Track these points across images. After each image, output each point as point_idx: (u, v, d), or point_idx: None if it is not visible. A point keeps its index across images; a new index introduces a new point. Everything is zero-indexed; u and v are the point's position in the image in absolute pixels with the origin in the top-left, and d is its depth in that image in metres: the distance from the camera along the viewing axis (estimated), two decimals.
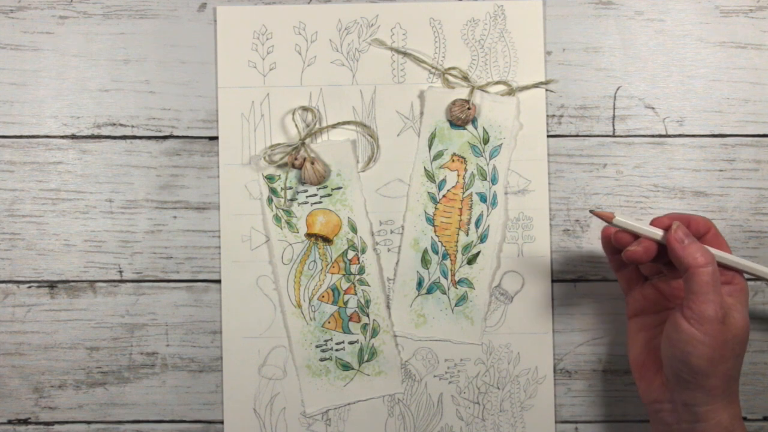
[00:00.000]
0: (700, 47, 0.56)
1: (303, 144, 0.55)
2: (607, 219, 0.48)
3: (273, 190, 0.55)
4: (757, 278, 0.49)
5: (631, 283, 0.51)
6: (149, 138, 0.56)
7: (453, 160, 0.55)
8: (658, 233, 0.47)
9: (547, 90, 0.56)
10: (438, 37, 0.55)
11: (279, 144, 0.55)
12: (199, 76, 0.56)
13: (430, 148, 0.55)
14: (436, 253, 0.55)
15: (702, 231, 0.48)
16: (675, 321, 0.45)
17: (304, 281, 0.55)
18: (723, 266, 0.47)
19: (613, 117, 0.56)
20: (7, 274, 0.56)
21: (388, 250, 0.56)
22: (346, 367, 0.55)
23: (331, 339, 0.55)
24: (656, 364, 0.48)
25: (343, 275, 0.55)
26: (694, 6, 0.56)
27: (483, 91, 0.55)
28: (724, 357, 0.44)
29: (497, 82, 0.55)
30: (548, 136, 0.56)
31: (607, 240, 0.50)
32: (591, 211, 0.50)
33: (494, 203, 0.55)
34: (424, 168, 0.55)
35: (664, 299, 0.50)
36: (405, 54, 0.55)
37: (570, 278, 0.56)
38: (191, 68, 0.56)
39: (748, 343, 0.55)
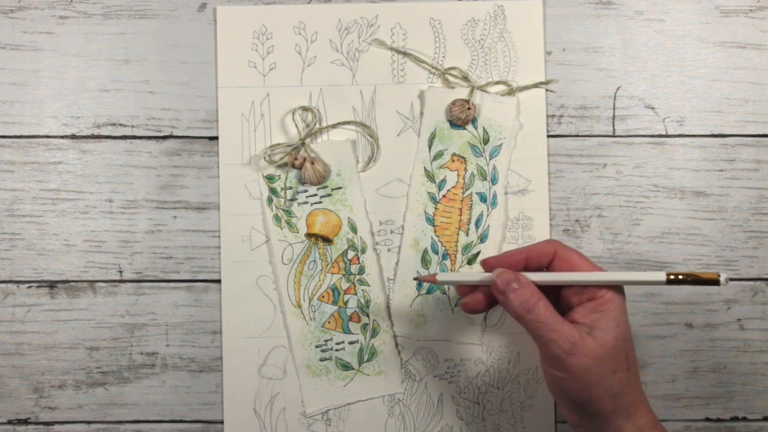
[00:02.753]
0: (700, 47, 0.56)
1: (303, 144, 0.55)
2: (431, 281, 0.49)
3: (273, 190, 0.55)
4: (613, 286, 0.46)
5: None
6: (149, 138, 0.56)
7: (453, 160, 0.55)
8: (486, 280, 0.47)
9: (547, 90, 0.56)
10: (438, 37, 0.55)
11: (279, 144, 0.55)
12: (199, 76, 0.56)
13: (430, 148, 0.55)
14: (436, 253, 0.55)
15: (546, 259, 0.47)
16: (540, 364, 0.46)
17: (304, 281, 0.55)
18: (580, 285, 0.46)
19: (613, 117, 0.56)
20: (7, 274, 0.56)
21: (388, 250, 0.56)
22: (346, 367, 0.55)
23: (331, 339, 0.55)
24: None
25: (343, 275, 0.55)
26: (694, 6, 0.56)
27: (483, 91, 0.55)
28: (592, 383, 0.43)
29: (497, 82, 0.55)
30: (548, 136, 0.56)
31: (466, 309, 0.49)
32: (414, 278, 0.51)
33: (494, 203, 0.55)
34: (424, 168, 0.55)
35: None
36: (405, 54, 0.55)
37: None
38: (191, 68, 0.56)
39: (748, 343, 0.55)
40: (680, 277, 0.45)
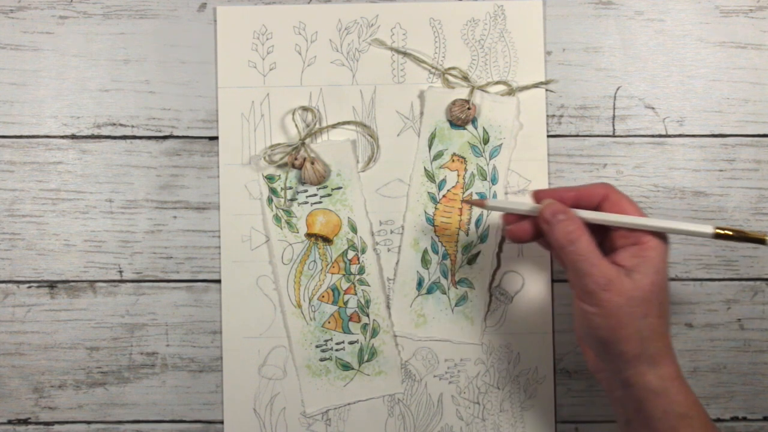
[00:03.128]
0: (700, 47, 0.56)
1: (303, 144, 0.55)
2: (480, 205, 0.49)
3: (273, 190, 0.55)
4: (658, 232, 0.46)
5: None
6: (149, 138, 0.56)
7: (453, 160, 0.55)
8: (535, 210, 0.47)
9: (547, 90, 0.56)
10: (438, 37, 0.55)
11: (279, 144, 0.55)
12: (199, 76, 0.56)
13: (430, 148, 0.55)
14: (436, 253, 0.55)
15: (597, 199, 0.47)
16: (573, 298, 0.46)
17: (304, 281, 0.55)
18: (626, 228, 0.46)
19: (613, 117, 0.56)
20: (7, 274, 0.56)
21: (388, 250, 0.56)
22: (346, 367, 0.55)
23: (331, 339, 0.55)
24: None
25: (343, 275, 0.55)
26: (694, 6, 0.56)
27: (483, 91, 0.55)
28: (622, 323, 0.44)
29: (497, 82, 0.55)
30: (548, 136, 0.56)
31: (510, 236, 0.50)
32: (463, 201, 0.50)
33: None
34: (424, 168, 0.55)
35: None
36: (405, 54, 0.55)
37: None
38: (191, 68, 0.56)
39: (748, 343, 0.55)
40: (729, 232, 0.46)
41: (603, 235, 0.47)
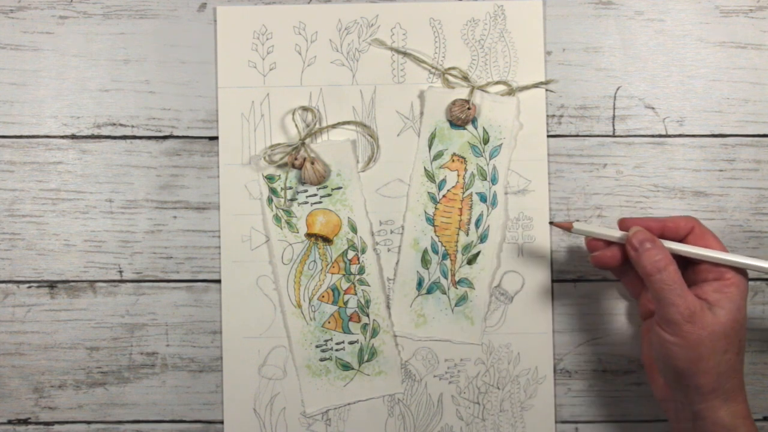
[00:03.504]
0: (700, 47, 0.56)
1: (303, 144, 0.55)
2: (567, 228, 0.50)
3: (273, 190, 0.55)
4: (748, 272, 0.48)
5: (637, 288, 0.51)
6: (149, 138, 0.56)
7: (453, 160, 0.55)
8: (622, 238, 0.48)
9: (547, 90, 0.56)
10: (438, 37, 0.55)
11: (279, 144, 0.55)
12: (199, 76, 0.56)
13: (430, 148, 0.55)
14: (436, 253, 0.55)
15: (683, 232, 0.48)
16: (653, 325, 0.46)
17: (304, 281, 0.55)
18: (709, 263, 0.47)
19: (613, 117, 0.56)
20: (7, 274, 0.56)
21: (388, 250, 0.56)
22: (346, 367, 0.55)
23: (331, 339, 0.55)
24: None
25: (343, 275, 0.55)
26: (694, 6, 0.56)
27: (483, 91, 0.55)
28: (702, 356, 0.44)
29: (497, 82, 0.55)
30: (548, 136, 0.56)
31: (596, 262, 0.50)
32: (550, 223, 0.51)
33: (494, 203, 0.55)
34: (424, 168, 0.55)
35: None
36: (405, 54, 0.55)
37: (570, 278, 0.56)
38: (191, 68, 0.56)
39: (748, 343, 0.55)
40: None
41: (686, 267, 0.48)
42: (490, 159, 0.55)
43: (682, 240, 0.48)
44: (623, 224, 0.49)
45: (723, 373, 0.45)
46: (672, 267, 0.45)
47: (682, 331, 0.44)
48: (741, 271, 0.47)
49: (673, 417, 0.48)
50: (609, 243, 0.49)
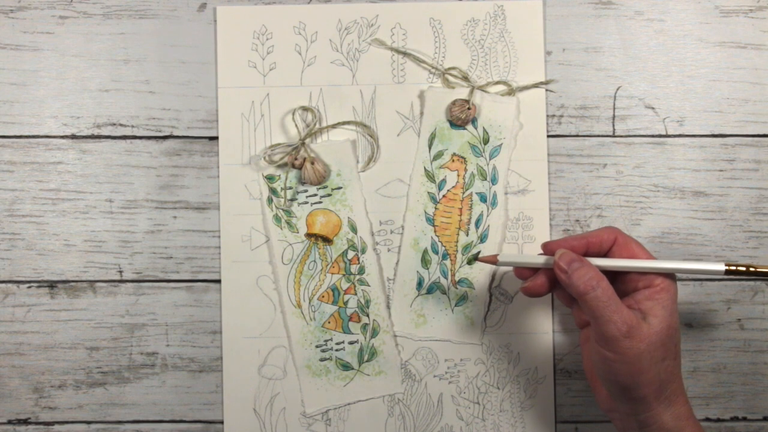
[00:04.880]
0: (700, 47, 0.56)
1: (303, 144, 0.55)
2: (492, 262, 0.50)
3: (273, 190, 0.55)
4: (672, 275, 0.48)
5: (567, 299, 0.51)
6: (149, 138, 0.56)
7: (453, 160, 0.55)
8: (548, 263, 0.48)
9: (547, 90, 0.56)
10: (438, 37, 0.55)
11: (279, 144, 0.55)
12: (199, 76, 0.56)
13: (430, 148, 0.55)
14: (436, 253, 0.55)
15: (606, 245, 0.48)
16: (591, 341, 0.46)
17: (304, 281, 0.55)
18: (636, 272, 0.47)
19: (613, 117, 0.56)
20: (7, 274, 0.56)
21: (388, 250, 0.56)
22: (346, 367, 0.55)
23: (331, 339, 0.55)
24: None
25: (343, 275, 0.55)
26: (694, 6, 0.56)
27: (483, 91, 0.55)
28: (643, 369, 0.44)
29: (497, 82, 0.55)
30: (548, 136, 0.56)
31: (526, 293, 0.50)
32: (476, 258, 0.52)
33: (494, 203, 0.55)
34: (424, 168, 0.55)
35: None
36: (405, 54, 0.55)
37: None
38: (191, 68, 0.56)
39: (748, 343, 0.55)
40: (740, 268, 0.47)
41: (614, 279, 0.48)
42: (490, 159, 0.55)
43: (607, 252, 0.48)
44: (547, 248, 0.49)
45: (664, 380, 0.45)
46: (604, 283, 0.45)
47: (620, 347, 0.44)
48: (669, 275, 0.47)
49: (620, 426, 0.48)
50: (535, 271, 0.49)
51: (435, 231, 0.55)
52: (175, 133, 0.56)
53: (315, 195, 0.55)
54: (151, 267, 0.56)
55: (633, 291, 0.47)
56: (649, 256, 0.47)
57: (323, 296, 0.55)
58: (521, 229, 0.55)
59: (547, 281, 0.48)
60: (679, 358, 0.47)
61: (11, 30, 0.56)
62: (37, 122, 0.56)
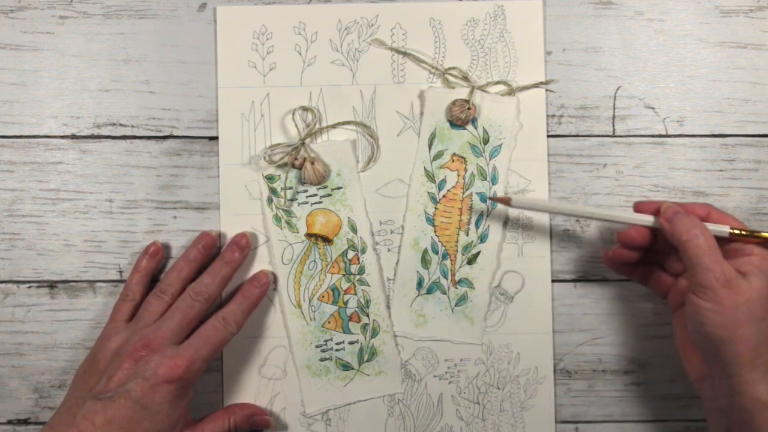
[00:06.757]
0: (700, 47, 0.56)
1: (303, 144, 0.55)
2: (505, 202, 0.51)
3: (273, 190, 0.55)
4: None
5: (663, 288, 0.51)
6: (149, 138, 0.56)
7: (453, 160, 0.55)
8: (568, 209, 0.50)
9: (547, 90, 0.56)
10: (438, 37, 0.55)
11: (279, 144, 0.55)
12: (199, 76, 0.56)
13: (430, 148, 0.55)
14: (436, 253, 0.55)
15: (700, 217, 0.49)
16: (687, 296, 0.46)
17: (304, 281, 0.55)
18: (739, 239, 0.48)
19: (613, 117, 0.56)
20: (7, 274, 0.56)
21: (388, 250, 0.56)
22: (346, 367, 0.55)
23: (331, 339, 0.55)
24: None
25: (343, 275, 0.55)
26: (694, 6, 0.56)
27: (483, 91, 0.55)
28: (739, 322, 0.44)
29: (497, 82, 0.55)
30: (548, 136, 0.56)
31: (609, 261, 0.51)
32: (490, 198, 0.53)
33: (494, 203, 0.55)
34: (424, 168, 0.55)
35: None
36: (405, 54, 0.55)
37: (570, 278, 0.56)
38: (191, 68, 0.56)
39: None
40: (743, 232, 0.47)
41: None
42: (490, 159, 0.55)
43: None
44: (638, 207, 0.50)
45: (761, 341, 0.44)
46: (707, 232, 0.46)
47: (718, 296, 0.44)
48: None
49: (710, 396, 0.46)
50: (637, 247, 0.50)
51: (435, 231, 0.55)
52: (175, 133, 0.56)
53: (315, 195, 0.55)
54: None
55: (732, 258, 0.47)
56: (745, 229, 0.48)
57: (323, 296, 0.55)
58: (521, 229, 0.55)
59: (649, 234, 0.49)
60: None
61: (11, 30, 0.56)
62: (37, 122, 0.56)
